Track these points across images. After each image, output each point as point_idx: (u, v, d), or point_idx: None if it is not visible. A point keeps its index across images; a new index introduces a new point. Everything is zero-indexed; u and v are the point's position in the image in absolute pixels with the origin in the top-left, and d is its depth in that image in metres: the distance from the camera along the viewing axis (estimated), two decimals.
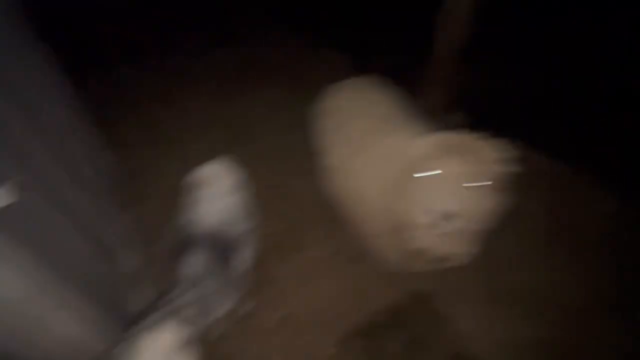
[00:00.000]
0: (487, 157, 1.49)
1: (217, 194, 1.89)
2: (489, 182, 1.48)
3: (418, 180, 1.55)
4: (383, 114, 2.14)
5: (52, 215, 1.28)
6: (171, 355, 1.36)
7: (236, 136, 3.78)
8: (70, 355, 1.37)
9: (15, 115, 1.33)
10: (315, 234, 2.73)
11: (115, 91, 4.47)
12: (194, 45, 5.39)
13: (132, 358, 1.30)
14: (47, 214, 1.26)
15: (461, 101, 3.93)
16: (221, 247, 1.78)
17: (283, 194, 3.10)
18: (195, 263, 1.66)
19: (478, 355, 2.07)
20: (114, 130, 3.74)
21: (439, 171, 1.48)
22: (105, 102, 4.17)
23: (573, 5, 5.25)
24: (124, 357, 1.31)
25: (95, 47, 5.14)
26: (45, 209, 1.25)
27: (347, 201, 2.12)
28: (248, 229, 1.98)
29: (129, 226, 2.66)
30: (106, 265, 1.88)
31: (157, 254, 2.39)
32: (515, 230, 2.73)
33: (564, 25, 5.24)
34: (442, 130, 1.68)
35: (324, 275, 2.47)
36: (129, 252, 2.38)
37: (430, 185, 1.49)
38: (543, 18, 5.39)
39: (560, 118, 3.96)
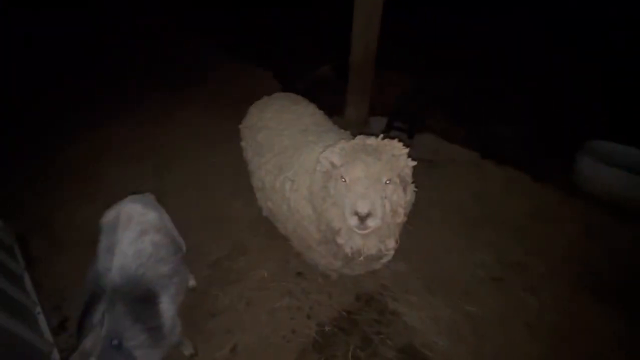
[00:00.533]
0: (390, 155, 1.58)
1: (131, 235, 1.73)
2: (397, 179, 1.57)
3: (335, 187, 1.59)
4: (301, 128, 2.18)
5: None
6: None
7: (165, 163, 3.59)
8: None
9: None
10: (257, 256, 2.67)
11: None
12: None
13: None
14: None
15: (383, 105, 4.21)
16: (140, 298, 1.61)
17: (221, 217, 2.99)
18: (106, 321, 1.45)
19: (425, 344, 2.16)
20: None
21: (353, 172, 1.53)
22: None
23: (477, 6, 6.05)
24: None
25: None
26: None
27: (279, 218, 2.10)
28: (167, 272, 1.80)
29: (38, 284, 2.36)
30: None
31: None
32: (444, 219, 2.97)
33: (471, 24, 5.97)
34: (356, 135, 1.76)
35: (270, 296, 2.40)
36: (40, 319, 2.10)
37: (345, 190, 1.53)
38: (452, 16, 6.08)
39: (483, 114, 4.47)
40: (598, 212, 2.98)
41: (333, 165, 1.61)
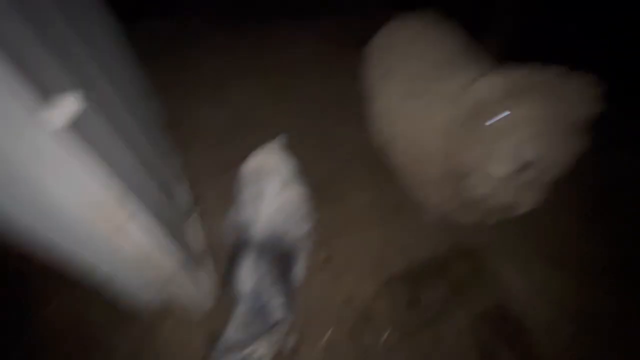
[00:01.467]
0: (567, 95, 1.30)
1: (275, 187, 1.68)
2: (569, 125, 1.30)
3: (488, 125, 1.39)
4: (442, 54, 1.93)
5: (115, 136, 1.31)
6: None
7: (280, 84, 3.69)
8: (141, 268, 1.48)
9: (73, 38, 1.32)
10: (359, 181, 2.68)
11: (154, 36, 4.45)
12: None
13: None
14: (111, 134, 1.28)
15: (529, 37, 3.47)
16: (280, 256, 1.58)
17: (327, 140, 3.03)
18: (251, 277, 1.48)
19: (517, 309, 2.02)
20: (156, 74, 3.79)
21: (510, 114, 1.32)
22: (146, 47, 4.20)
23: None
24: None
25: None
26: (110, 128, 1.27)
27: (398, 146, 2.02)
28: (305, 233, 1.79)
29: (180, 167, 2.76)
30: (165, 197, 1.97)
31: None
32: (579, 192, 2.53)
33: None
34: (511, 68, 1.47)
35: (365, 223, 2.45)
36: (182, 190, 2.49)
37: (505, 130, 1.33)
38: None
39: None
40: None
41: (493, 95, 1.39)
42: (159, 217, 1.47)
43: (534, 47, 3.36)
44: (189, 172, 2.77)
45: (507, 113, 1.34)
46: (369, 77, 2.34)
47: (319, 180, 2.73)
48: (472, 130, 1.44)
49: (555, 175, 1.40)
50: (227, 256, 1.68)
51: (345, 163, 2.82)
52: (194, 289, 1.78)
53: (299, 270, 1.72)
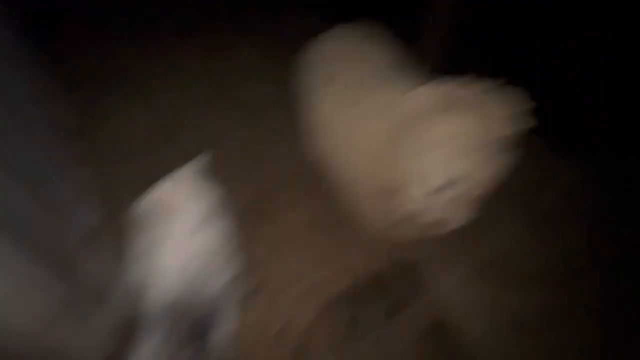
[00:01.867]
0: (494, 111, 1.29)
1: (187, 228, 1.29)
2: (497, 141, 1.29)
3: (416, 139, 1.33)
4: (375, 65, 1.89)
5: None
6: None
7: (210, 93, 3.41)
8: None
9: None
10: (293, 198, 2.53)
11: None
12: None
13: None
14: None
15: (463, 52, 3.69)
16: (196, 323, 1.19)
17: (261, 154, 2.84)
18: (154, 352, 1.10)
19: (458, 322, 2.01)
20: (64, 69, 3.29)
21: (440, 129, 1.27)
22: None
23: None
24: None
25: None
26: None
27: (331, 162, 1.91)
28: (230, 281, 1.38)
29: (84, 181, 2.35)
30: (53, 216, 1.59)
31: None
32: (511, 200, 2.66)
33: None
34: (442, 81, 1.45)
35: (301, 242, 2.30)
36: (84, 209, 2.09)
37: (431, 146, 1.28)
38: None
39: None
40: None
41: (419, 109, 1.33)
42: (36, 240, 1.13)
43: (469, 59, 3.59)
44: (99, 187, 2.36)
45: (438, 129, 1.30)
46: (304, 87, 2.23)
47: (251, 199, 2.53)
48: (401, 144, 1.37)
49: (485, 190, 1.39)
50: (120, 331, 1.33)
51: (280, 179, 2.65)
52: (80, 339, 1.42)
53: (225, 334, 1.30)
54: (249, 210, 2.44)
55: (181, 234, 1.28)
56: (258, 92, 3.39)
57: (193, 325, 1.16)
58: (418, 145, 1.31)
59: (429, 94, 1.34)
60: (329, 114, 1.87)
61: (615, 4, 2.59)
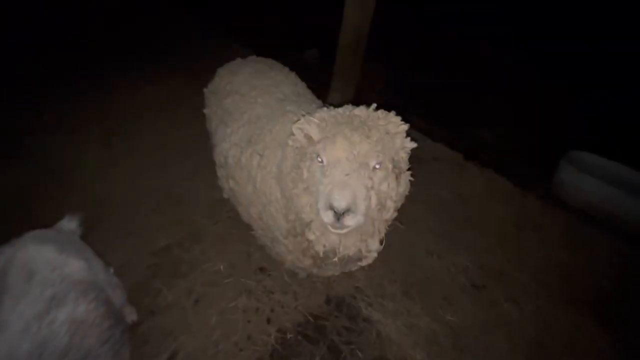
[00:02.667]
0: (384, 132, 1.26)
1: (37, 307, 1.01)
2: (388, 164, 1.25)
3: (309, 169, 1.25)
4: (275, 96, 1.83)
5: None
6: None
7: (119, 132, 3.08)
8: None
9: None
10: (213, 247, 2.28)
11: None
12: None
13: None
14: None
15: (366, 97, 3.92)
16: None
17: (176, 198, 2.57)
18: None
19: (401, 357, 1.89)
20: None
21: (325, 157, 1.20)
22: None
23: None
24: None
25: None
26: None
27: (242, 201, 1.74)
28: None
29: None
30: None
31: None
32: (425, 218, 2.75)
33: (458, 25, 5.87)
34: (328, 108, 1.41)
35: (224, 294, 2.04)
36: None
37: (321, 174, 1.19)
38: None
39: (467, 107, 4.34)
40: (578, 223, 2.90)
41: (309, 139, 1.26)
42: None
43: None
44: None
45: (320, 158, 1.22)
46: (209, 123, 2.09)
47: (166, 247, 2.24)
48: (299, 178, 1.27)
49: (390, 215, 1.34)
50: None
51: (190, 226, 2.40)
52: None
53: None
54: (168, 260, 2.15)
55: (32, 310, 0.98)
56: (167, 129, 3.16)
57: None
58: (313, 172, 1.23)
59: (313, 124, 1.27)
60: (233, 151, 1.73)
61: None
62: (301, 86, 2.03)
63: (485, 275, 2.40)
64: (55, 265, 1.12)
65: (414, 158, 3.67)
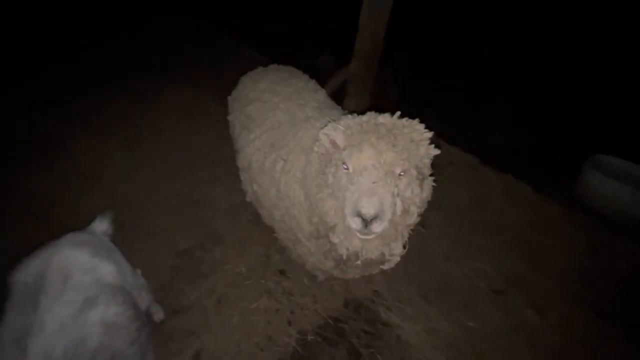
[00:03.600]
0: (409, 140, 1.29)
1: (71, 307, 1.06)
2: (412, 171, 1.28)
3: (335, 175, 1.29)
4: (298, 103, 1.88)
5: None
6: None
7: (140, 140, 3.19)
8: None
9: None
10: (234, 248, 2.34)
11: None
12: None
13: None
14: None
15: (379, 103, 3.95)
16: None
17: (197, 202, 2.64)
18: None
19: (415, 356, 1.89)
20: None
21: (351, 164, 1.23)
22: None
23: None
24: None
25: None
26: None
27: (265, 204, 1.79)
28: None
29: None
30: None
31: None
32: (443, 223, 2.74)
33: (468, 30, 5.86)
34: (353, 116, 1.44)
35: (245, 295, 2.08)
36: None
37: (347, 181, 1.22)
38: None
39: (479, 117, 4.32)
40: (601, 227, 2.83)
41: (335, 146, 1.30)
42: None
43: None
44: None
45: (346, 165, 1.25)
46: (232, 129, 2.16)
47: (188, 249, 2.30)
48: (323, 183, 1.31)
49: (413, 220, 1.37)
50: None
51: (211, 228, 2.46)
52: None
53: None
54: (190, 263, 2.22)
55: (67, 311, 1.03)
56: (193, 136, 3.25)
57: None
58: (339, 179, 1.26)
59: (339, 131, 1.31)
60: (256, 156, 1.78)
61: None
62: (321, 93, 2.08)
63: (505, 280, 2.38)
64: (88, 269, 1.19)
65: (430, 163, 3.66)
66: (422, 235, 2.59)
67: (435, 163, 3.68)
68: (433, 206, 2.77)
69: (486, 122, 4.15)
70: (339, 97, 3.83)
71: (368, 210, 1.09)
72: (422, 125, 1.30)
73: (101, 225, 1.55)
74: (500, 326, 2.11)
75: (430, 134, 1.31)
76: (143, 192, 2.68)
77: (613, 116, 4.07)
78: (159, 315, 1.86)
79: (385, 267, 1.49)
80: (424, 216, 2.68)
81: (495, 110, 4.36)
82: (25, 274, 1.14)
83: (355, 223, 1.13)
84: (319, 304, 2.08)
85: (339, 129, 1.29)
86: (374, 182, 1.15)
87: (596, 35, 4.78)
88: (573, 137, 3.92)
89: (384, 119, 1.32)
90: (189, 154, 3.08)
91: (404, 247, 1.41)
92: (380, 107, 4.31)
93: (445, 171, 3.28)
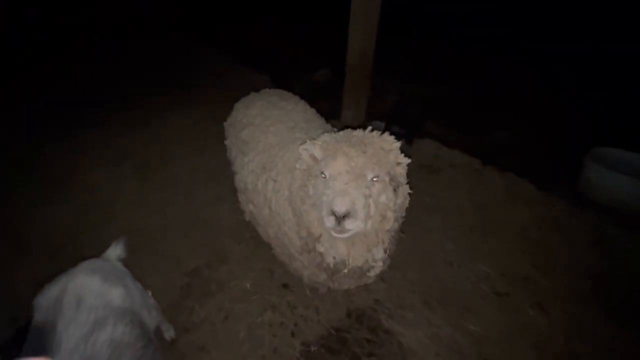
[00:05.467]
0: (378, 148, 1.38)
1: (83, 329, 1.17)
2: (386, 177, 1.36)
3: (315, 185, 1.39)
4: (287, 124, 2.00)
5: None
6: None
7: (148, 164, 3.39)
8: None
9: None
10: (239, 265, 2.45)
11: None
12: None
13: None
14: None
15: (381, 111, 4.04)
16: None
17: (204, 222, 2.78)
18: None
19: None
20: None
21: (327, 171, 1.33)
22: None
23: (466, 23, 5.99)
24: None
25: None
26: None
27: (261, 222, 1.90)
28: None
29: None
30: None
31: None
32: (443, 227, 2.77)
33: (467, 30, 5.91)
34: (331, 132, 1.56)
35: (251, 309, 2.17)
36: None
37: (324, 187, 1.32)
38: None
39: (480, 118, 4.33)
40: (608, 222, 2.78)
41: (314, 159, 1.42)
42: None
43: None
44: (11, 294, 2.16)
45: (323, 173, 1.35)
46: (229, 152, 2.30)
47: (196, 268, 2.43)
48: (306, 195, 1.41)
49: (391, 225, 1.43)
50: None
51: (217, 247, 2.58)
52: None
53: None
54: (198, 281, 2.34)
55: (80, 332, 1.15)
56: (201, 156, 3.44)
57: None
58: (317, 187, 1.36)
59: (316, 145, 1.42)
60: (250, 177, 1.90)
61: None
62: (310, 112, 2.19)
63: (509, 282, 2.37)
64: (100, 293, 1.32)
65: (429, 167, 3.72)
66: (421, 240, 2.63)
67: (434, 166, 3.72)
68: (434, 209, 2.90)
69: (486, 122, 4.15)
70: (336, 109, 3.97)
71: (340, 207, 1.18)
72: (392, 137, 1.41)
73: (115, 251, 1.68)
74: (505, 329, 2.11)
75: (398, 144, 1.40)
76: (154, 217, 2.84)
77: (613, 115, 4.00)
78: (170, 333, 1.97)
79: (371, 274, 1.56)
80: (423, 220, 2.73)
81: (495, 110, 4.36)
82: (45, 298, 1.29)
83: (329, 221, 1.22)
84: (321, 315, 2.15)
85: (316, 144, 1.41)
86: (346, 184, 1.25)
87: (597, 35, 4.74)
88: (574, 135, 3.87)
89: (357, 132, 1.46)
90: (195, 175, 3.25)
91: (385, 252, 1.47)
92: (378, 115, 4.37)
93: (445, 174, 3.31)
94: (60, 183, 3.16)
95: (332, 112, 3.90)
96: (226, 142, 2.32)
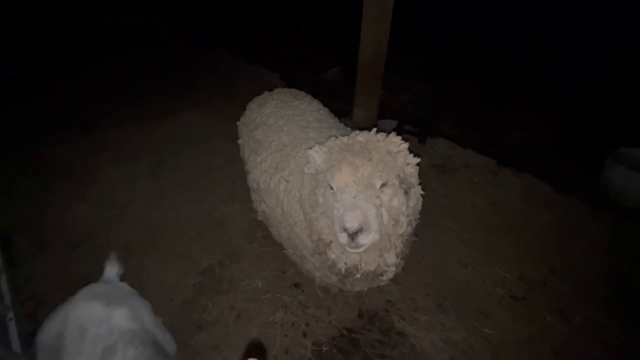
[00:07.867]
0: (384, 153, 1.33)
1: (89, 357, 1.13)
2: (395, 181, 1.33)
3: (323, 195, 1.37)
4: (300, 124, 1.99)
5: None
6: None
7: (162, 163, 3.44)
8: None
9: None
10: (251, 264, 2.45)
11: None
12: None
13: None
14: None
15: (393, 110, 3.99)
16: None
17: (216, 221, 2.80)
18: None
19: None
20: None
21: (334, 183, 1.28)
22: None
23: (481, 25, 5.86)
24: None
25: None
26: None
27: (273, 222, 1.90)
28: None
29: None
30: None
31: None
32: (458, 229, 2.71)
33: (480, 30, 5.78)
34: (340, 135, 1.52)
35: (263, 309, 2.18)
36: None
37: (333, 200, 1.28)
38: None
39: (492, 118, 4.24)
40: (629, 226, 2.68)
41: (319, 168, 1.39)
42: None
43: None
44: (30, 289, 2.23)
45: (330, 185, 1.32)
46: (242, 152, 2.30)
47: (209, 267, 2.45)
48: (315, 203, 1.40)
49: (404, 230, 1.40)
50: None
51: (229, 246, 2.60)
52: None
53: None
54: (211, 279, 2.36)
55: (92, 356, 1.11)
56: (213, 156, 3.47)
57: None
58: (326, 198, 1.33)
59: (329, 148, 1.39)
60: (263, 178, 1.90)
61: None
62: (324, 112, 2.18)
63: (526, 286, 2.31)
64: (103, 320, 1.25)
65: (443, 167, 3.65)
66: (436, 242, 2.59)
67: (449, 167, 3.65)
68: (448, 211, 2.84)
69: (501, 122, 4.05)
70: (348, 108, 3.94)
71: (352, 224, 1.15)
72: (399, 138, 1.36)
73: (112, 270, 1.59)
74: (522, 334, 2.05)
75: (406, 145, 1.36)
76: (168, 216, 2.87)
77: (630, 116, 3.85)
78: None
79: (384, 278, 1.54)
80: (438, 222, 2.68)
81: (510, 110, 4.25)
82: (46, 335, 1.24)
83: (343, 238, 1.19)
84: (333, 315, 2.14)
85: (320, 151, 1.38)
86: (354, 197, 1.21)
87: (615, 33, 4.57)
88: (591, 135, 3.73)
89: (361, 136, 1.39)
90: (208, 174, 3.27)
91: (398, 257, 1.45)
92: (390, 115, 4.31)
93: (459, 175, 3.24)
94: (77, 182, 3.23)
95: (344, 111, 3.87)
96: (239, 142, 2.33)
